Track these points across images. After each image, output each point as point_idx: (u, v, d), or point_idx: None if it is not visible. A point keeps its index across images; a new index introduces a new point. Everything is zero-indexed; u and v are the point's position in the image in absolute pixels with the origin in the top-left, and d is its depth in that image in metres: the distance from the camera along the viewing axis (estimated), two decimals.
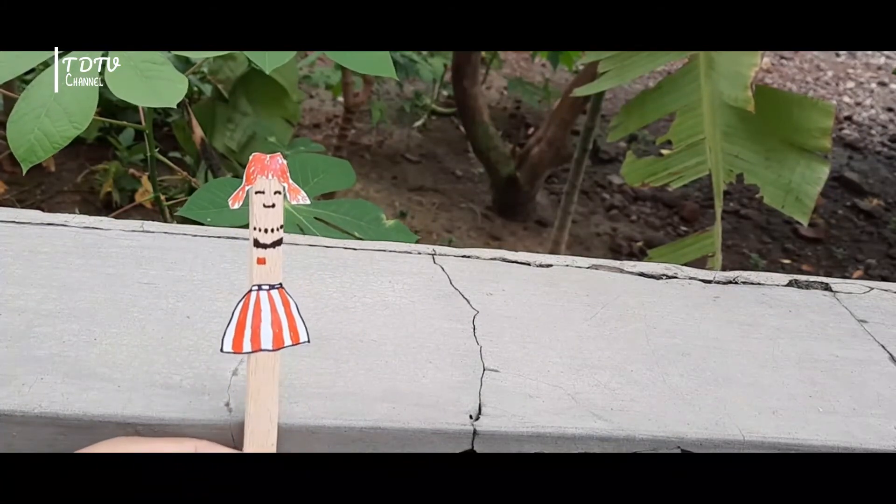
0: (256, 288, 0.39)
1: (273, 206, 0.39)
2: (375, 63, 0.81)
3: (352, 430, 0.42)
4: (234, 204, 0.38)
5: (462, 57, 2.54)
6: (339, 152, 2.10)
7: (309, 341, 0.40)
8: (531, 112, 3.64)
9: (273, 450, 0.40)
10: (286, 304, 0.40)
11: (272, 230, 0.39)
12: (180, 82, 0.70)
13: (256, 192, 0.38)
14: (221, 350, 0.38)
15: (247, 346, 0.39)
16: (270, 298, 0.39)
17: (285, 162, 0.39)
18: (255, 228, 0.39)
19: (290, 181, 0.39)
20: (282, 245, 0.39)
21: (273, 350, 0.39)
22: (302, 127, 3.08)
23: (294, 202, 0.40)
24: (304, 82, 2.94)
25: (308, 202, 0.40)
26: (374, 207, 0.94)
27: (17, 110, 0.69)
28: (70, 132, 0.69)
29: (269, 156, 0.39)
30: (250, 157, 0.39)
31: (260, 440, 0.39)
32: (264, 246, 0.39)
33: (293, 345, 0.40)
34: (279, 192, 0.39)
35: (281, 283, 0.40)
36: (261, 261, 0.39)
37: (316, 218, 0.91)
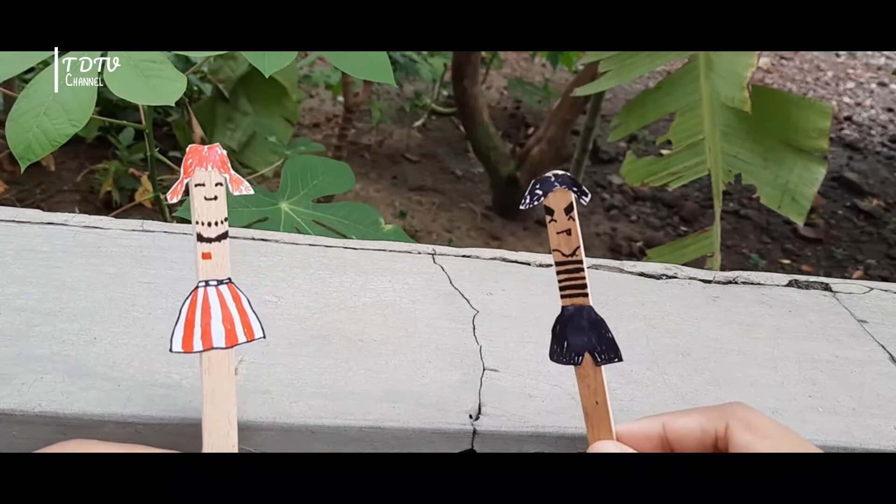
0: (203, 284, 0.37)
1: (215, 198, 0.37)
2: (374, 68, 0.81)
3: (352, 429, 0.42)
4: (173, 198, 0.37)
5: (462, 57, 2.55)
6: (339, 152, 2.10)
7: (264, 337, 0.39)
8: (531, 112, 3.65)
9: (234, 450, 0.38)
10: (237, 300, 0.38)
11: (216, 223, 0.37)
12: (179, 81, 0.70)
13: (196, 185, 0.37)
14: (171, 350, 0.36)
15: (198, 345, 0.37)
16: (220, 294, 0.38)
17: (224, 152, 0.38)
18: (197, 222, 0.37)
19: (232, 171, 0.38)
20: (228, 238, 0.38)
21: (226, 348, 0.37)
22: (302, 126, 3.08)
23: (237, 193, 0.38)
24: (304, 82, 2.94)
25: (252, 192, 0.39)
26: (373, 211, 0.94)
27: (16, 108, 0.69)
28: (68, 130, 0.69)
29: (206, 146, 0.38)
30: (187, 149, 0.38)
31: (219, 442, 0.37)
32: (208, 240, 0.37)
33: (248, 341, 0.38)
34: (221, 184, 0.37)
35: (230, 278, 0.38)
36: (206, 255, 0.37)
37: (314, 221, 0.91)
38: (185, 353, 0.37)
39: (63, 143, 0.69)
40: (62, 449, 0.37)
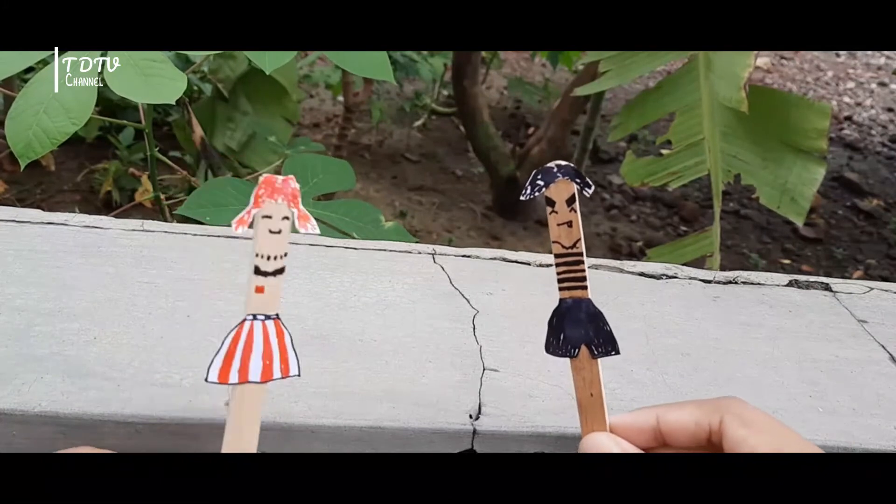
0: (251, 318, 0.37)
1: (279, 231, 0.36)
2: (374, 66, 0.81)
3: (352, 429, 0.42)
4: (238, 228, 0.36)
5: (462, 57, 2.54)
6: (339, 152, 2.10)
7: (300, 375, 0.38)
8: (531, 112, 3.65)
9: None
10: (280, 336, 0.37)
11: (276, 258, 0.36)
12: (179, 80, 0.71)
13: (263, 217, 0.36)
14: (206, 380, 0.35)
15: (233, 378, 0.36)
16: (265, 329, 0.37)
17: (298, 186, 0.37)
18: (257, 255, 0.36)
19: (301, 207, 0.37)
20: (284, 273, 0.37)
21: (261, 382, 0.37)
22: (302, 126, 3.08)
23: (303, 231, 0.37)
24: (305, 81, 2.94)
25: (318, 232, 0.37)
26: (373, 209, 0.94)
27: (15, 107, 0.69)
28: (68, 128, 0.69)
29: (281, 178, 0.37)
30: (261, 179, 0.36)
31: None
32: (265, 274, 0.36)
33: (282, 378, 0.37)
34: (287, 218, 0.36)
35: (277, 314, 0.37)
36: (259, 289, 0.36)
37: (315, 218, 0.91)
38: (219, 384, 0.36)
39: (63, 142, 0.69)
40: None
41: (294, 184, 0.37)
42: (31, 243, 0.54)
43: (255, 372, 0.36)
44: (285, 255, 0.37)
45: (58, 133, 0.68)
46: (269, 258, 0.36)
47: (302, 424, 0.42)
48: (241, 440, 0.36)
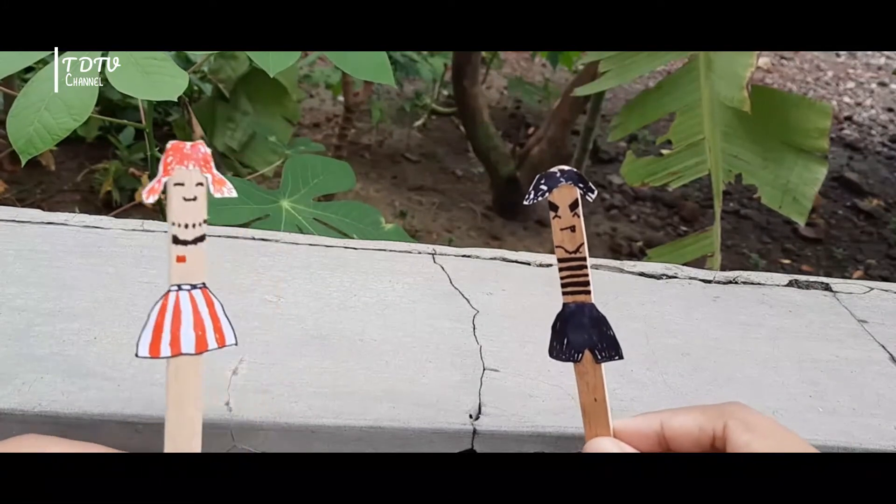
0: (176, 288, 0.36)
1: (195, 198, 0.35)
2: (375, 69, 0.81)
3: (352, 429, 0.42)
4: (149, 197, 0.35)
5: (462, 57, 2.54)
6: (339, 152, 2.10)
7: (236, 343, 0.37)
8: (531, 112, 3.65)
9: None
10: (210, 305, 0.36)
11: (193, 225, 0.35)
12: (180, 77, 0.71)
13: (175, 184, 0.35)
14: (137, 355, 0.35)
15: (165, 351, 0.35)
16: (192, 299, 0.36)
17: (209, 150, 0.36)
18: (173, 224, 0.35)
19: (215, 171, 0.36)
20: (205, 241, 0.36)
21: (196, 354, 0.36)
22: (302, 126, 3.08)
23: (218, 195, 0.36)
24: (305, 81, 2.94)
25: (234, 195, 0.36)
26: (373, 210, 0.94)
27: (16, 105, 0.70)
28: (70, 124, 0.69)
29: (189, 143, 0.36)
30: (168, 145, 0.36)
31: (183, 448, 0.36)
32: (184, 243, 0.35)
33: (219, 347, 0.37)
34: (202, 184, 0.36)
35: (204, 283, 0.36)
36: (180, 259, 0.35)
37: (315, 219, 0.91)
38: (151, 358, 0.35)
39: (63, 139, 0.69)
40: (15, 446, 0.36)
41: (205, 148, 0.36)
42: (31, 243, 0.54)
43: (187, 343, 0.36)
44: (204, 222, 0.36)
45: (59, 129, 0.68)
46: (186, 226, 0.36)
47: (302, 424, 0.42)
48: (182, 416, 0.36)
